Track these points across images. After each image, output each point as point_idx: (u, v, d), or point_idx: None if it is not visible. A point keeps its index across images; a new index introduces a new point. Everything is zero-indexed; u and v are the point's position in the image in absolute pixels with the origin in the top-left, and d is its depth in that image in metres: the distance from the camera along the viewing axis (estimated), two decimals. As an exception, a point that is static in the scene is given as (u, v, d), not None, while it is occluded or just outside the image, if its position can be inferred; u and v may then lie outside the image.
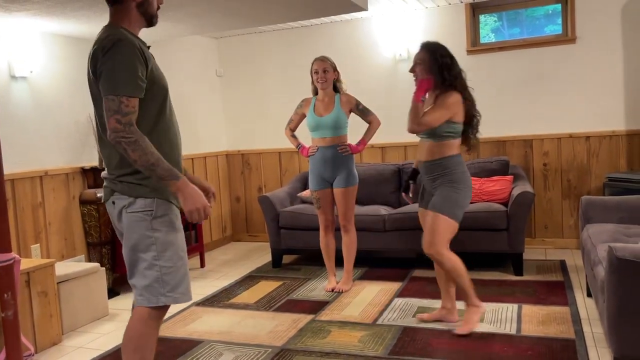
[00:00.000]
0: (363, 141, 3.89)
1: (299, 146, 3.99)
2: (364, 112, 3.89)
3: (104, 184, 2.07)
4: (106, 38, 1.89)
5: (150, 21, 2.08)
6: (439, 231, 2.88)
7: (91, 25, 3.79)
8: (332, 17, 5.15)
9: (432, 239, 2.90)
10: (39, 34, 3.92)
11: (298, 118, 4.02)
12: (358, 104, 3.87)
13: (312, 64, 3.84)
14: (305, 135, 4.06)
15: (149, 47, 2.08)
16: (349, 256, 3.99)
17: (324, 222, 3.98)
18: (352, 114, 3.90)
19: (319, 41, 5.47)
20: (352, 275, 4.09)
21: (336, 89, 3.88)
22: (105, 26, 1.99)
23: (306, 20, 5.08)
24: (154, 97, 1.98)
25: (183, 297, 2.04)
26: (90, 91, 2.01)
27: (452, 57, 2.89)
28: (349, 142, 3.90)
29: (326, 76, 3.78)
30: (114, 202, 2.02)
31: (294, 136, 4.05)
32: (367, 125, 3.93)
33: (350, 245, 3.97)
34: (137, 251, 2.00)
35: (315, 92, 3.93)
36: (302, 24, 5.45)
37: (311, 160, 3.92)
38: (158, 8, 2.09)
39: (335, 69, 3.84)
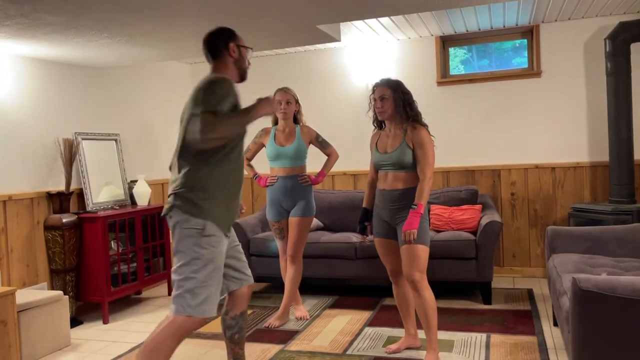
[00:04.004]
0: (322, 173, 3.92)
1: (256, 176, 3.98)
2: (323, 145, 3.93)
3: (169, 198, 2.36)
4: (211, 76, 2.34)
5: (243, 76, 2.54)
6: (422, 258, 2.93)
7: (63, 48, 3.76)
8: (306, 46, 5.21)
9: (416, 265, 2.92)
10: (7, 56, 3.86)
11: (256, 147, 4.00)
12: (318, 136, 3.91)
13: (275, 94, 3.84)
14: (259, 164, 4.07)
15: None
16: (292, 289, 3.87)
17: (287, 252, 3.94)
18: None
19: (293, 69, 5.53)
20: (289, 310, 3.95)
21: (296, 120, 3.91)
22: (210, 74, 2.43)
23: (280, 48, 5.13)
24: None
25: (209, 311, 2.28)
26: (181, 118, 2.38)
27: (411, 94, 3.06)
28: (307, 172, 3.90)
29: (288, 107, 3.80)
30: (170, 217, 2.31)
31: (250, 166, 4.02)
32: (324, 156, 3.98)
33: (295, 277, 3.86)
34: (182, 263, 2.26)
35: (275, 122, 3.94)
36: (277, 52, 5.50)
37: (270, 190, 3.89)
38: (248, 66, 2.55)
39: (297, 101, 3.87)
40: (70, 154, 4.19)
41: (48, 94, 4.19)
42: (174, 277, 2.30)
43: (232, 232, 2.55)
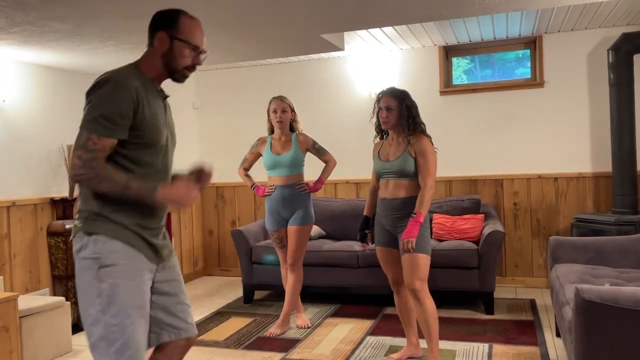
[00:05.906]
0: (320, 180, 3.90)
1: (254, 186, 3.93)
2: (320, 152, 3.91)
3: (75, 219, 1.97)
4: (102, 76, 1.82)
5: (172, 75, 1.95)
6: (422, 267, 2.93)
7: (69, 55, 3.79)
8: (310, 55, 5.24)
9: (417, 274, 2.92)
10: (12, 62, 3.89)
11: (253, 157, 3.98)
12: (314, 143, 3.90)
13: (270, 102, 3.84)
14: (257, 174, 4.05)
15: (165, 97, 1.98)
16: (292, 297, 3.86)
17: (287, 260, 3.93)
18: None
19: (296, 78, 5.55)
20: (289, 318, 3.95)
21: (292, 128, 3.90)
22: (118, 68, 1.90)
23: (284, 57, 5.16)
24: (141, 142, 1.83)
25: (135, 358, 1.76)
26: None
27: (416, 106, 3.05)
28: (305, 180, 3.89)
29: (284, 116, 3.79)
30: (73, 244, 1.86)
31: (248, 176, 3.99)
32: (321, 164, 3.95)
33: (295, 285, 3.86)
34: (83, 302, 1.80)
35: (271, 131, 3.93)
36: (281, 61, 5.53)
37: (268, 199, 3.87)
38: (190, 69, 1.95)
39: (292, 110, 3.86)
40: (74, 161, 4.20)
41: (53, 101, 4.22)
42: (83, 325, 1.83)
43: (173, 262, 2.01)
